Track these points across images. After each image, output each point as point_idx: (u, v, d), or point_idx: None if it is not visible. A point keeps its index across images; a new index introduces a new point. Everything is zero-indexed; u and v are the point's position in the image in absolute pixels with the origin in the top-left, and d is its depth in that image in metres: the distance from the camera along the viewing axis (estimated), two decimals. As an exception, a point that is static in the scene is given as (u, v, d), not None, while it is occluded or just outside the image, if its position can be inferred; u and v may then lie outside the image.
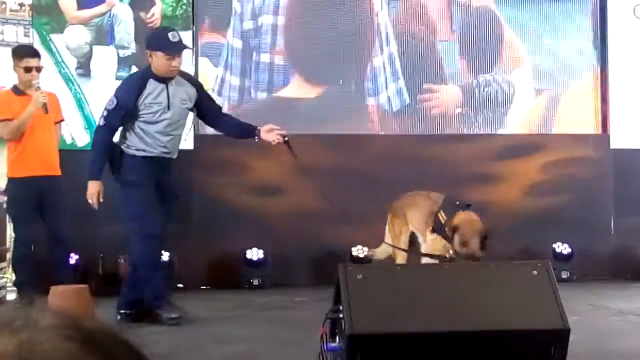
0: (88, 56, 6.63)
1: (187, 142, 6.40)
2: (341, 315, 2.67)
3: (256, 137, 4.66)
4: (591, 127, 7.24)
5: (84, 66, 6.62)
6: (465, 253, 3.91)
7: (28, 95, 5.36)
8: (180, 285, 6.55)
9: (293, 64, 6.90)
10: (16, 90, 5.43)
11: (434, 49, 7.06)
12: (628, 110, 7.14)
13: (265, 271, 6.61)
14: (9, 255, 6.20)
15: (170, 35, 4.53)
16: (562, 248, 6.77)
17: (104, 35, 6.65)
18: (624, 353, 3.97)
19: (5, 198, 5.61)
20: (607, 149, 7.10)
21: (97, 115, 5.27)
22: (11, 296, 6.00)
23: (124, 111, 4.50)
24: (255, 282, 6.55)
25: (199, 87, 4.80)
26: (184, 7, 6.73)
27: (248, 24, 6.85)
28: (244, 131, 4.74)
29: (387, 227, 4.83)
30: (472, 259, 3.92)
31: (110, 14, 6.68)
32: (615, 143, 7.11)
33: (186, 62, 6.28)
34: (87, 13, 6.66)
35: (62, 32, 6.59)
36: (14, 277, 5.75)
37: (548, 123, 7.22)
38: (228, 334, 4.42)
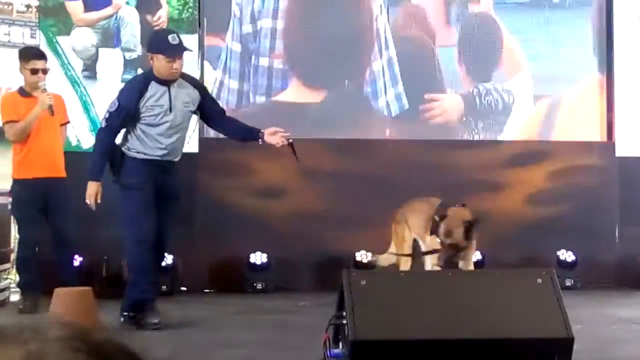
0: (94, 58, 6.65)
1: (191, 145, 6.41)
2: (345, 321, 2.67)
3: (260, 140, 4.66)
4: (596, 134, 7.23)
5: (90, 68, 6.64)
6: (450, 243, 3.92)
7: (34, 97, 5.37)
8: (184, 288, 6.55)
9: (292, 68, 6.91)
10: (22, 92, 5.45)
11: (433, 55, 7.07)
12: (633, 118, 7.12)
13: (269, 275, 6.60)
14: (12, 257, 6.21)
15: (170, 37, 4.53)
16: (567, 256, 6.76)
17: (110, 37, 6.66)
18: (627, 362, 3.96)
19: (10, 199, 5.63)
20: (612, 157, 7.08)
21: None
22: (15, 297, 6.01)
23: (125, 113, 4.50)
24: (259, 286, 6.55)
25: (202, 89, 4.80)
26: (190, 10, 6.74)
27: (247, 28, 6.86)
28: (248, 134, 4.74)
29: (392, 235, 4.84)
30: (456, 249, 3.93)
31: (116, 16, 6.69)
32: (621, 151, 7.10)
33: (191, 65, 6.30)
34: (93, 15, 6.67)
35: (68, 34, 6.61)
36: (17, 279, 5.76)
37: (550, 130, 7.21)
38: (231, 338, 4.41)
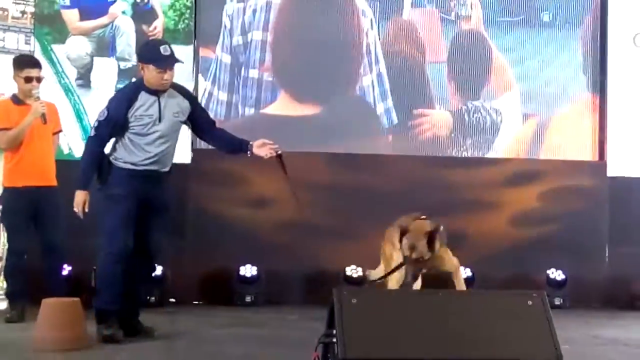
0: (88, 67, 6.66)
1: (184, 156, 6.41)
2: (334, 340, 2.66)
3: (248, 152, 4.66)
4: (587, 154, 7.26)
5: (84, 77, 6.64)
6: (414, 257, 3.94)
7: (27, 105, 5.36)
8: (173, 300, 6.54)
9: (281, 80, 6.94)
10: (15, 99, 5.44)
11: (423, 70, 7.10)
12: (625, 138, 7.16)
13: (259, 288, 6.59)
14: (0, 265, 6.18)
15: (162, 48, 4.53)
16: (556, 274, 6.78)
17: (105, 46, 6.67)
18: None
19: (0, 207, 5.60)
20: (603, 177, 7.12)
21: (95, 126, 5.26)
22: (2, 305, 5.98)
23: (114, 122, 4.50)
24: (248, 299, 6.54)
25: (192, 100, 4.79)
26: (186, 21, 6.75)
27: (237, 39, 6.89)
28: (237, 146, 4.74)
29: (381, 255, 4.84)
30: (420, 263, 3.95)
31: (112, 25, 6.70)
32: (612, 171, 7.13)
33: (186, 77, 6.31)
34: (89, 24, 6.69)
35: (63, 42, 6.62)
36: (5, 287, 5.73)
37: (539, 149, 7.24)
38: (220, 353, 4.39)
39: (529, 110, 7.23)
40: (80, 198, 4.52)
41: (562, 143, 7.25)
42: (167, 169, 4.68)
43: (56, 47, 6.62)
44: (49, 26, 6.66)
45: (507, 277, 6.77)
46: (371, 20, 7.06)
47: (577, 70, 7.28)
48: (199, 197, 6.65)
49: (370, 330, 2.63)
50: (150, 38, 6.54)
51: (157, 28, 6.72)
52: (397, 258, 4.20)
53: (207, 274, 6.65)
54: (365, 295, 2.84)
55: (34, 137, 5.37)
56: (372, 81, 7.04)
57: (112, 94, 6.18)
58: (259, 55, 6.91)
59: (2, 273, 5.93)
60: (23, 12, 8.41)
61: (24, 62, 5.47)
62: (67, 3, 6.66)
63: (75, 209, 4.53)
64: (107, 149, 4.66)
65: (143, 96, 4.54)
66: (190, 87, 6.54)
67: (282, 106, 6.94)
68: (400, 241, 4.00)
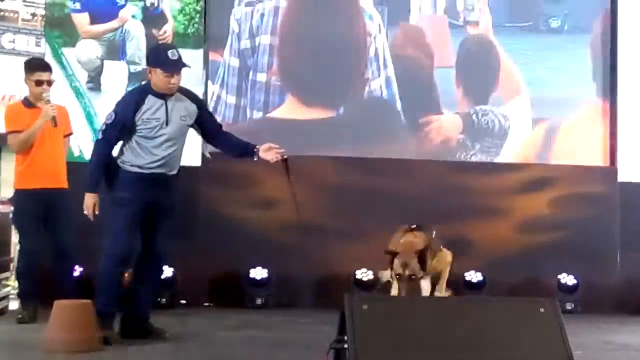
0: (99, 70, 6.69)
1: (194, 159, 6.43)
2: (346, 346, 2.67)
3: (255, 156, 4.67)
4: (597, 159, 7.24)
5: (95, 80, 6.67)
6: (407, 275, 3.95)
7: (38, 108, 5.39)
8: (183, 302, 6.55)
9: (289, 84, 6.95)
10: (27, 102, 5.47)
11: (431, 75, 7.10)
12: (636, 143, 7.14)
13: (269, 290, 6.60)
14: (12, 265, 6.21)
15: (170, 53, 4.54)
16: (567, 279, 6.76)
17: (116, 50, 6.70)
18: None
19: (12, 208, 5.63)
20: (614, 182, 7.10)
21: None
22: (14, 306, 6.01)
23: (122, 125, 4.52)
24: (259, 301, 6.55)
25: (200, 104, 4.80)
26: (195, 25, 6.77)
27: (245, 43, 6.90)
28: (243, 149, 4.75)
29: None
30: (413, 281, 3.96)
31: (122, 29, 6.73)
32: (623, 176, 7.11)
33: (195, 80, 6.33)
34: (99, 28, 6.71)
35: (74, 45, 6.65)
36: (17, 287, 5.75)
37: (549, 154, 7.23)
38: (230, 356, 4.40)
39: (538, 115, 7.22)
40: (90, 201, 4.55)
41: (573, 148, 7.23)
42: (174, 172, 4.69)
43: (66, 51, 6.65)
44: (59, 29, 6.69)
45: (518, 281, 6.76)
46: (379, 25, 7.07)
47: (587, 76, 7.26)
48: (210, 199, 6.66)
49: (381, 336, 2.63)
50: (160, 42, 6.56)
51: (166, 32, 6.74)
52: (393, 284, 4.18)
53: (217, 276, 6.66)
54: (376, 302, 2.84)
55: (45, 139, 5.40)
56: (381, 85, 7.04)
57: (122, 97, 6.22)
58: (267, 59, 6.92)
59: (15, 274, 5.96)
60: (33, 15, 8.44)
61: (34, 66, 5.49)
62: (78, 7, 6.69)
63: (86, 212, 4.56)
64: (114, 152, 4.68)
65: (150, 99, 4.55)
66: (199, 90, 6.56)
67: (290, 110, 6.95)
68: (392, 262, 4.02)
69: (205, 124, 4.77)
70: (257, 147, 4.66)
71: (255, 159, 4.69)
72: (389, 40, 7.08)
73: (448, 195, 6.80)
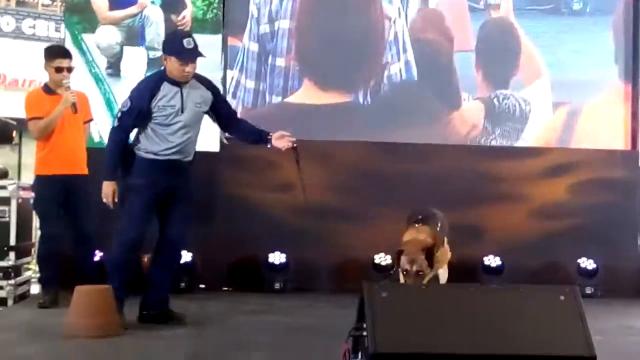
0: (118, 56, 6.71)
1: (212, 145, 6.45)
2: (365, 333, 2.67)
3: (268, 144, 4.69)
4: (619, 143, 7.19)
5: (114, 66, 6.70)
6: (415, 270, 3.95)
7: (58, 95, 5.42)
8: (202, 286, 6.59)
9: (308, 69, 6.93)
10: (47, 89, 5.50)
11: (450, 59, 7.05)
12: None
13: (287, 275, 6.62)
14: (33, 250, 6.28)
15: (185, 41, 4.54)
16: (587, 264, 6.73)
17: (135, 36, 6.71)
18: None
19: (33, 195, 5.68)
20: (636, 166, 7.04)
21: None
22: (35, 290, 6.08)
23: (137, 113, 4.54)
24: (277, 285, 6.58)
25: (214, 91, 4.81)
26: (214, 10, 6.77)
27: (265, 28, 6.89)
28: (257, 136, 4.78)
29: None
30: (420, 276, 3.96)
31: (141, 15, 6.74)
32: (645, 159, 7.06)
33: (214, 65, 6.34)
34: (119, 14, 6.73)
35: (93, 31, 6.67)
36: (38, 272, 5.82)
37: (570, 138, 7.17)
38: (249, 341, 4.42)
39: (559, 99, 7.16)
40: (108, 189, 4.58)
41: (594, 132, 7.17)
42: (189, 159, 4.72)
43: (86, 37, 6.67)
44: (79, 15, 6.71)
45: (537, 266, 6.74)
46: (399, 8, 7.02)
47: (609, 59, 7.19)
48: (229, 184, 6.68)
49: (400, 324, 2.64)
50: (178, 28, 6.58)
51: (185, 17, 6.75)
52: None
53: (236, 260, 6.69)
54: (395, 289, 2.85)
55: (65, 126, 5.43)
56: (400, 69, 7.01)
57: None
58: (286, 44, 6.91)
59: (36, 259, 6.02)
60: (53, 0, 8.45)
61: (54, 53, 5.52)
62: (97, -8, 6.71)
63: (105, 200, 4.59)
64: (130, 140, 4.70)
65: (166, 87, 4.57)
66: (218, 76, 6.57)
67: (307, 94, 6.94)
68: (398, 259, 4.02)
69: (220, 111, 4.79)
70: (270, 134, 4.69)
71: (268, 146, 4.72)
72: (409, 24, 7.04)
73: (467, 180, 6.77)
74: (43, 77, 5.64)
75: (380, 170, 6.79)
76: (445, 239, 4.50)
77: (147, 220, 4.63)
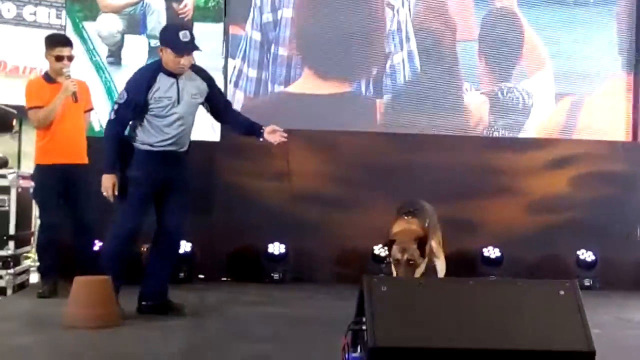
0: (119, 45, 6.68)
1: (213, 134, 6.43)
2: (364, 327, 2.67)
3: (260, 137, 4.70)
4: (620, 134, 7.17)
5: (115, 55, 6.67)
6: (406, 259, 3.95)
7: (59, 83, 5.40)
8: (201, 276, 6.59)
9: (311, 58, 6.91)
10: (47, 77, 5.48)
11: (453, 49, 7.02)
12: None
13: (287, 266, 6.62)
14: (33, 240, 6.27)
15: (181, 34, 4.53)
16: (586, 255, 6.72)
17: (136, 24, 6.69)
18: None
19: (33, 184, 5.67)
20: (637, 157, 7.03)
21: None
22: (34, 279, 6.08)
23: (134, 105, 4.53)
24: (276, 276, 6.57)
25: (210, 82, 4.81)
26: (216, -1, 6.74)
27: (267, 17, 6.86)
28: (250, 129, 4.81)
29: None
30: (412, 265, 3.96)
31: (142, 3, 6.71)
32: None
33: (215, 55, 6.31)
34: (120, 2, 6.70)
35: (94, 19, 6.64)
36: (38, 262, 5.81)
37: (572, 129, 7.16)
38: (248, 332, 4.42)
39: (562, 89, 7.14)
40: (108, 182, 4.57)
41: (596, 123, 7.16)
42: (185, 149, 4.72)
43: (87, 25, 6.64)
44: (80, 3, 6.68)
45: (536, 258, 6.74)
46: (402, -3, 7.00)
47: (612, 50, 7.16)
48: (229, 175, 6.67)
49: (399, 318, 2.63)
50: (179, 16, 6.55)
51: (187, 6, 6.71)
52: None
53: (235, 251, 6.69)
54: (395, 284, 2.84)
55: (65, 115, 5.41)
56: (403, 59, 6.98)
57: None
58: (288, 33, 6.88)
59: (35, 248, 6.01)
60: (54, -13, 8.38)
61: (55, 41, 5.49)
62: (98, -20, 6.68)
63: (104, 193, 4.58)
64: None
65: (162, 78, 4.56)
66: (219, 64, 6.55)
67: (309, 84, 6.92)
68: (390, 249, 4.01)
69: (215, 101, 4.79)
70: (263, 128, 4.70)
71: (260, 139, 4.74)
72: (412, 14, 7.01)
73: (468, 171, 6.76)
74: (44, 64, 5.62)
75: (381, 161, 6.78)
76: (439, 232, 4.50)
77: (143, 211, 4.63)
